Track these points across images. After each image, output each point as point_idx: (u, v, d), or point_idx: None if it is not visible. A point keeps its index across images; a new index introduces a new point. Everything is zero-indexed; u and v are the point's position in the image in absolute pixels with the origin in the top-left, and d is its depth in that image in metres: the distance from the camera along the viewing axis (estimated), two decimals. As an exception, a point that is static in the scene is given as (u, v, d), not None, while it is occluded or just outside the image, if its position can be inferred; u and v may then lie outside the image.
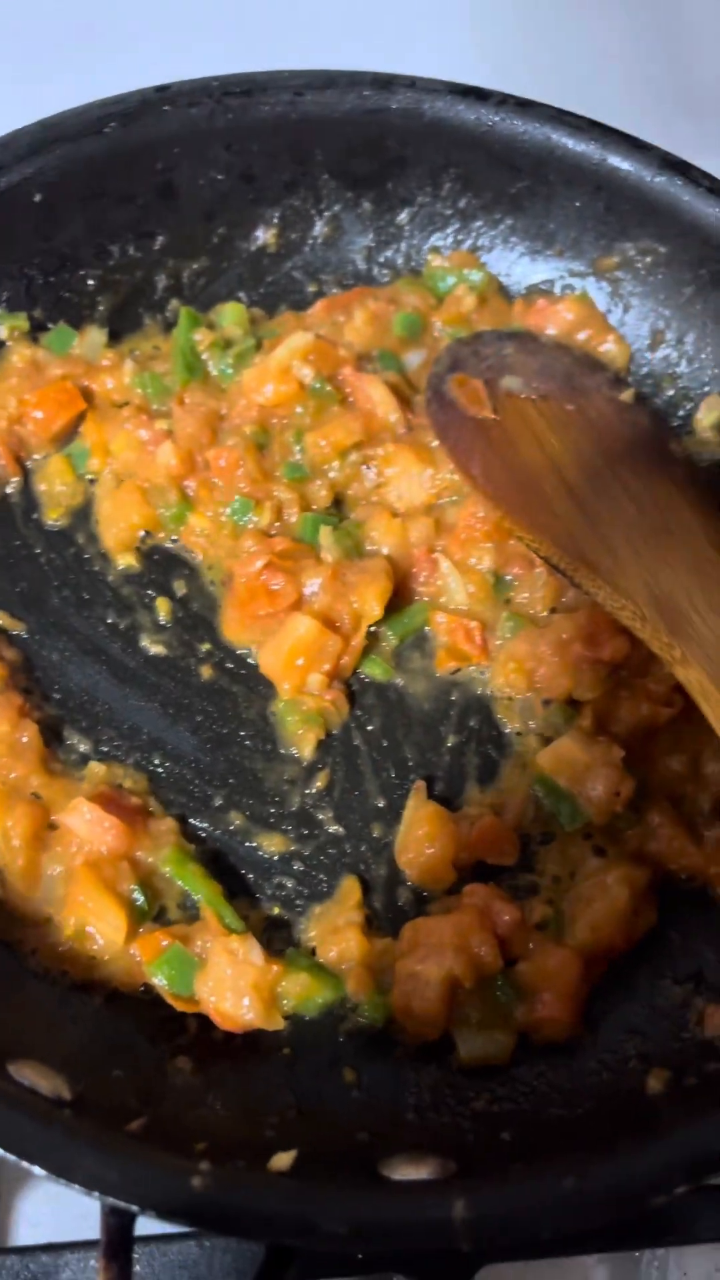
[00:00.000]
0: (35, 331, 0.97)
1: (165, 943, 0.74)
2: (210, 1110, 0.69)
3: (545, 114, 0.97)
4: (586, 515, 0.84)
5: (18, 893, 0.76)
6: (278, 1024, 0.73)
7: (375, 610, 0.86)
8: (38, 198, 0.94)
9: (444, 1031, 0.74)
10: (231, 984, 0.72)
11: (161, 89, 0.96)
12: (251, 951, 0.73)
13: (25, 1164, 0.57)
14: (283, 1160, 0.62)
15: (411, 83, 0.98)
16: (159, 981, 0.73)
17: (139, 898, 0.76)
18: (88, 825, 0.77)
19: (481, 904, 0.77)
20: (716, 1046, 0.71)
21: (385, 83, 0.98)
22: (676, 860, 0.80)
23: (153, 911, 0.77)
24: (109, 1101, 0.65)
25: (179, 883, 0.77)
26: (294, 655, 0.84)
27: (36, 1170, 0.57)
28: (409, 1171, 0.63)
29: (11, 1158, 0.57)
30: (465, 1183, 0.61)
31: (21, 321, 0.96)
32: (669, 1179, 0.59)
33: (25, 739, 0.81)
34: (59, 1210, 0.77)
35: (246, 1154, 0.63)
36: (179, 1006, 0.73)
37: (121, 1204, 0.56)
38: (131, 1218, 0.61)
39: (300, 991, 0.74)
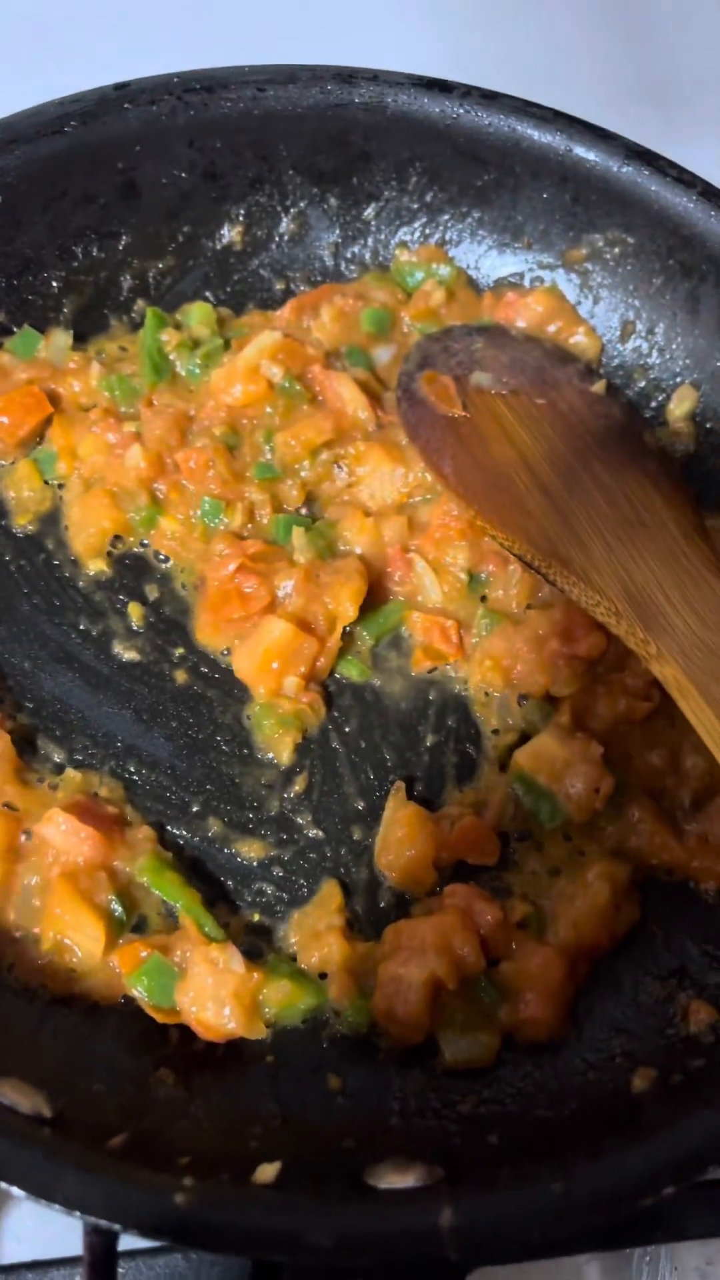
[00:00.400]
0: (-1, 335, 0.96)
1: (144, 953, 0.73)
2: (194, 1122, 0.68)
3: (510, 105, 0.96)
4: (559, 511, 0.84)
5: (-7, 906, 0.75)
6: (260, 1032, 0.72)
7: (350, 611, 0.85)
8: (-2, 199, 0.92)
9: (428, 1034, 0.74)
10: (212, 993, 0.72)
11: (121, 86, 0.94)
12: (232, 960, 0.72)
13: (5, 1185, 0.56)
14: (267, 1172, 0.61)
15: (374, 76, 0.97)
16: (139, 993, 0.73)
17: (117, 908, 0.75)
18: (63, 836, 0.76)
19: (463, 904, 0.77)
20: (701, 1042, 0.71)
21: (348, 77, 0.97)
22: (657, 855, 0.80)
23: (131, 921, 0.76)
24: (90, 1118, 0.64)
25: (157, 892, 0.76)
26: (269, 659, 0.83)
27: (16, 1192, 0.56)
28: (395, 1179, 0.62)
29: (-9, 1179, 0.56)
30: (452, 1189, 0.60)
31: (-16, 326, 0.95)
32: (656, 1180, 0.59)
33: (-2, 749, 0.80)
34: (44, 1225, 0.76)
35: (230, 1166, 0.62)
36: (159, 1018, 0.72)
37: (104, 1223, 0.55)
38: (115, 1236, 0.60)
39: (282, 998, 0.73)
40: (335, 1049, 0.74)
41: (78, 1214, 0.55)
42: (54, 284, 0.98)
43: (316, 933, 0.77)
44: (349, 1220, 0.57)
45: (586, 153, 0.96)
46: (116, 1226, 0.55)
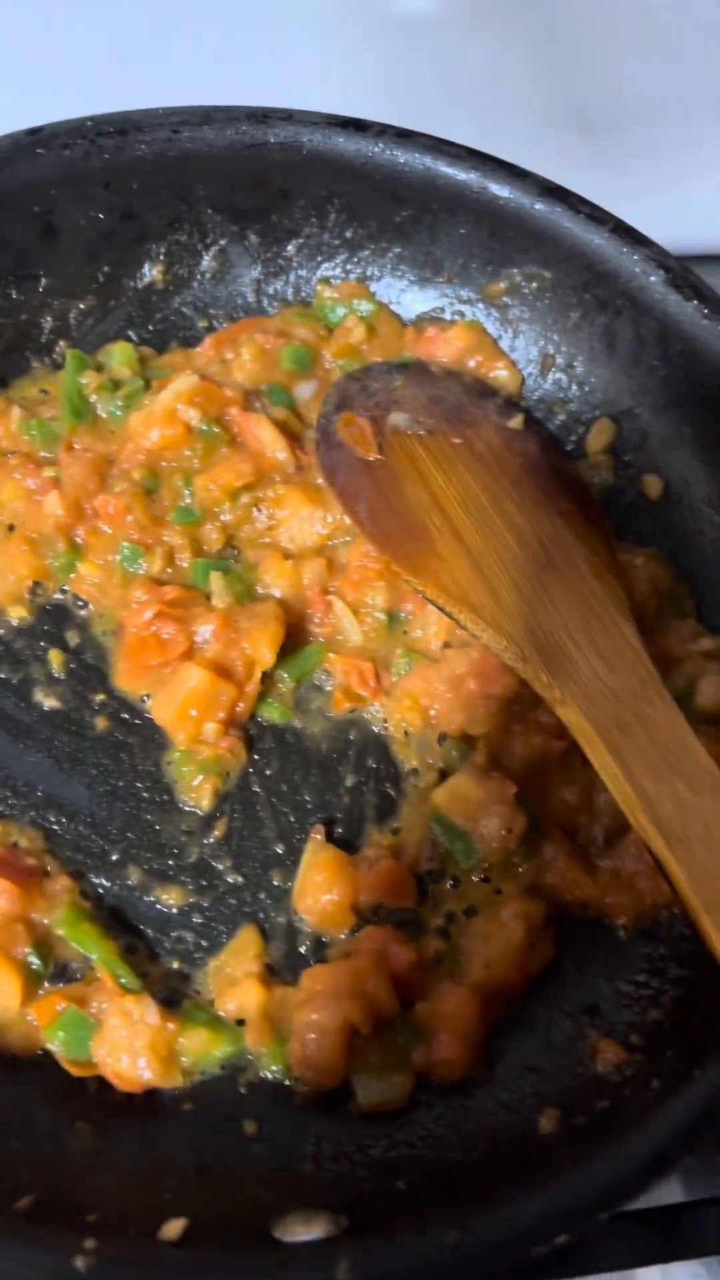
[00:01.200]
0: None
1: (61, 1006, 0.74)
2: (107, 1176, 0.69)
3: (424, 144, 0.97)
4: (469, 555, 0.85)
5: None
6: (175, 1081, 0.74)
7: (267, 657, 0.86)
8: None
9: (343, 1078, 0.75)
10: (128, 1045, 0.73)
11: (33, 131, 0.94)
12: (147, 1011, 0.73)
13: None
14: (173, 1229, 0.62)
15: (289, 116, 0.97)
16: (55, 1046, 0.74)
17: (34, 961, 0.76)
18: (-19, 891, 0.77)
19: (377, 948, 0.78)
20: (607, 1082, 0.72)
21: (262, 117, 0.97)
22: (571, 892, 0.81)
23: (49, 972, 0.77)
24: (0, 1177, 0.65)
25: (74, 944, 0.77)
26: (187, 706, 0.84)
27: None
28: (300, 1231, 0.63)
29: None
30: (351, 1241, 0.62)
31: None
32: (548, 1231, 0.60)
33: None
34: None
35: (139, 1223, 0.63)
36: (75, 1071, 0.73)
37: (4, 1291, 0.56)
38: (20, 1298, 0.62)
39: (199, 1047, 0.74)
40: (253, 1095, 0.75)
41: (-23, 1283, 0.56)
42: (-27, 327, 0.98)
43: (234, 980, 0.78)
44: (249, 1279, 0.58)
45: (501, 190, 0.96)
46: (16, 1294, 0.56)
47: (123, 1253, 0.59)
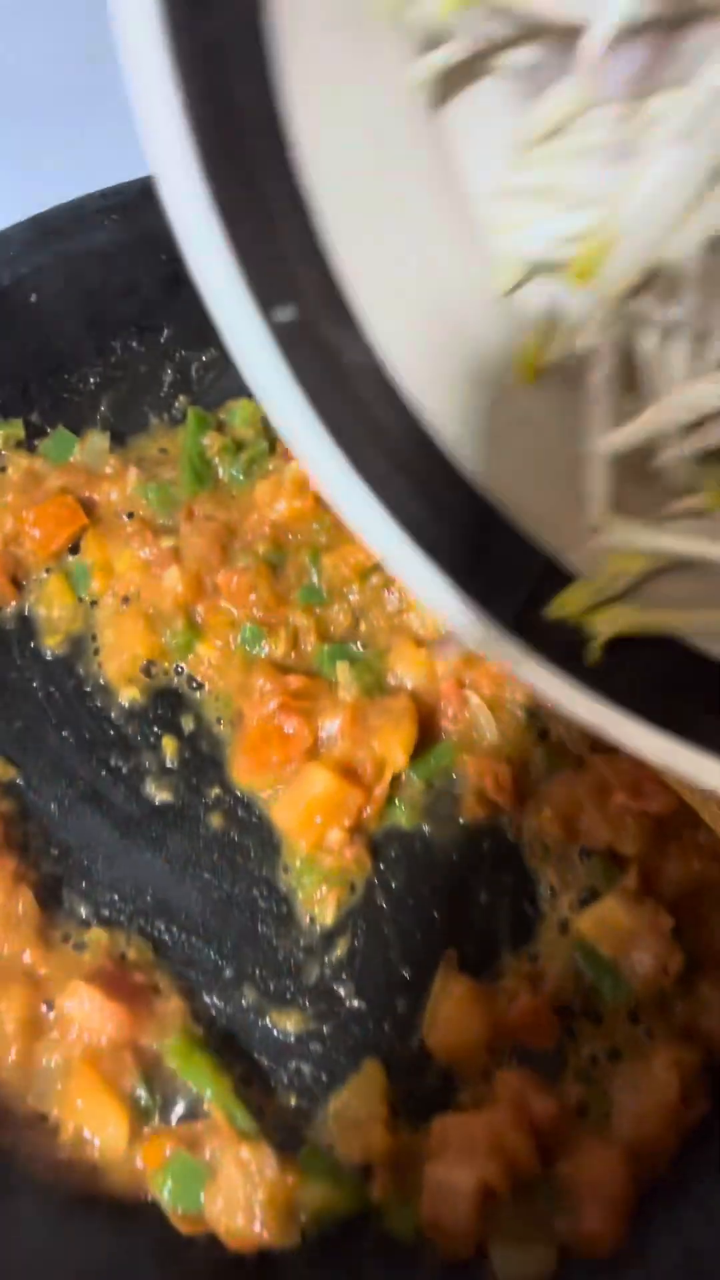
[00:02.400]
0: (32, 438, 0.90)
1: (170, 1150, 0.68)
2: None
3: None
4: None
5: (10, 1088, 0.70)
6: (293, 1240, 0.67)
7: (400, 759, 0.79)
8: (33, 298, 0.87)
9: (477, 1245, 0.68)
10: (243, 1200, 0.66)
11: (166, 176, 0.88)
12: (266, 1164, 0.67)
13: None
14: None
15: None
16: (164, 1196, 0.67)
17: (142, 1094, 0.70)
18: (87, 1013, 0.71)
19: (516, 1097, 0.71)
20: (783, 1275, 0.64)
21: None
22: (732, 1039, 0.73)
23: (157, 1107, 0.70)
24: None
25: (186, 1079, 0.71)
26: (311, 812, 0.77)
27: None
28: None
29: None
30: None
31: (17, 429, 0.89)
32: None
33: (20, 908, 0.75)
34: None
35: None
36: (184, 1229, 0.67)
37: None
38: None
39: (318, 1202, 0.68)
40: (376, 1259, 0.68)
41: None
42: (92, 380, 0.92)
43: (357, 1121, 0.71)
44: None
45: None
46: None
47: None
